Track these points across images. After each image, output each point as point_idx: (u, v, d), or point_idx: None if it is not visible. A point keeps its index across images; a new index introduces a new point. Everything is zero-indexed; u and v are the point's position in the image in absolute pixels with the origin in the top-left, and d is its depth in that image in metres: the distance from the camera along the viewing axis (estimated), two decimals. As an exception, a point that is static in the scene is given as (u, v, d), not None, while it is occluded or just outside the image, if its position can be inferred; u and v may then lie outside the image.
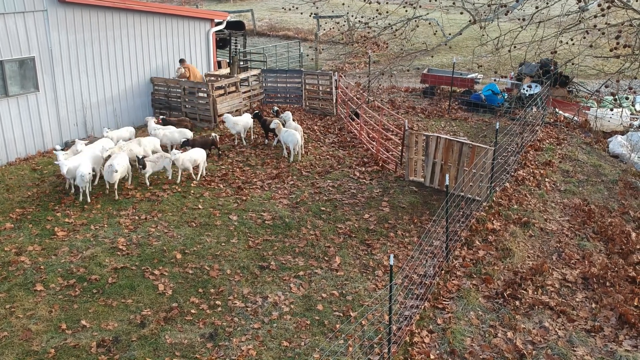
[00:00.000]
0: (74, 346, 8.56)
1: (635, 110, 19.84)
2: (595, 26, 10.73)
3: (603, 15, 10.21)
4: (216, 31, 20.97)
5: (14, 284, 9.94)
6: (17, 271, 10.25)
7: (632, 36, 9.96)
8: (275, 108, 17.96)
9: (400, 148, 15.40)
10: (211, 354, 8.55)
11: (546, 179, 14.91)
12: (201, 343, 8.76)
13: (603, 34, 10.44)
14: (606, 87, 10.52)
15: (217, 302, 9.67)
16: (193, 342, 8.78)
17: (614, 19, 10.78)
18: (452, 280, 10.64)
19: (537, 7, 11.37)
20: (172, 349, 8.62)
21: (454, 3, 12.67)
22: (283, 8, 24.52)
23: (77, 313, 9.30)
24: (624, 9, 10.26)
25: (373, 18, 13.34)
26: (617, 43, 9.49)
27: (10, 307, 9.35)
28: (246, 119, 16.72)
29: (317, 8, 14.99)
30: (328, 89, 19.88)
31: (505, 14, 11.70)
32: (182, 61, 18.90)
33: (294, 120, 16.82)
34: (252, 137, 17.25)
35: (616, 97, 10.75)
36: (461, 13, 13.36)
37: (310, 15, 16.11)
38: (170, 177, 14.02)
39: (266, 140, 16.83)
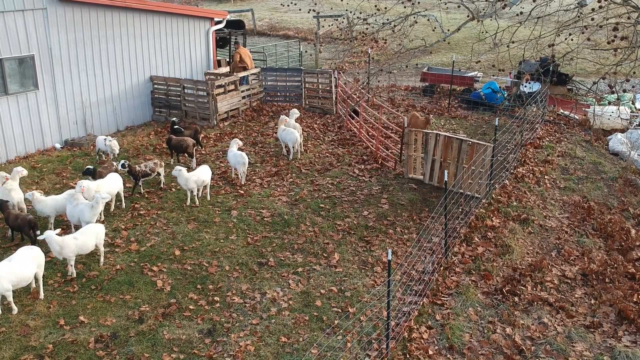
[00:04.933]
0: (72, 342, 8.55)
1: (635, 108, 19.82)
2: (592, 19, 10.70)
3: (600, 7, 10.18)
4: (216, 30, 20.98)
5: (12, 281, 9.94)
6: (16, 268, 10.23)
7: (629, 29, 9.94)
8: (174, 119, 16.21)
9: (399, 146, 15.39)
10: (209, 349, 8.54)
11: (545, 176, 14.89)
12: (199, 339, 8.75)
13: (601, 27, 10.41)
14: (603, 79, 10.48)
15: (216, 298, 9.66)
16: (191, 337, 8.77)
17: (611, 14, 10.75)
18: (451, 276, 10.62)
19: (534, 0, 11.35)
20: (170, 344, 8.61)
21: (451, -1, 12.69)
22: (282, 4, 24.53)
23: (76, 309, 9.29)
24: (623, 5, 10.25)
25: (372, 15, 13.35)
26: (615, 36, 9.47)
27: (9, 304, 9.34)
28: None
29: (315, 4, 14.99)
30: (327, 88, 19.89)
31: (502, 8, 11.68)
32: (237, 44, 20.46)
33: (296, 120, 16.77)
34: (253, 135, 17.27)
35: (614, 90, 10.71)
36: (458, 6, 13.33)
37: (308, 12, 16.09)
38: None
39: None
